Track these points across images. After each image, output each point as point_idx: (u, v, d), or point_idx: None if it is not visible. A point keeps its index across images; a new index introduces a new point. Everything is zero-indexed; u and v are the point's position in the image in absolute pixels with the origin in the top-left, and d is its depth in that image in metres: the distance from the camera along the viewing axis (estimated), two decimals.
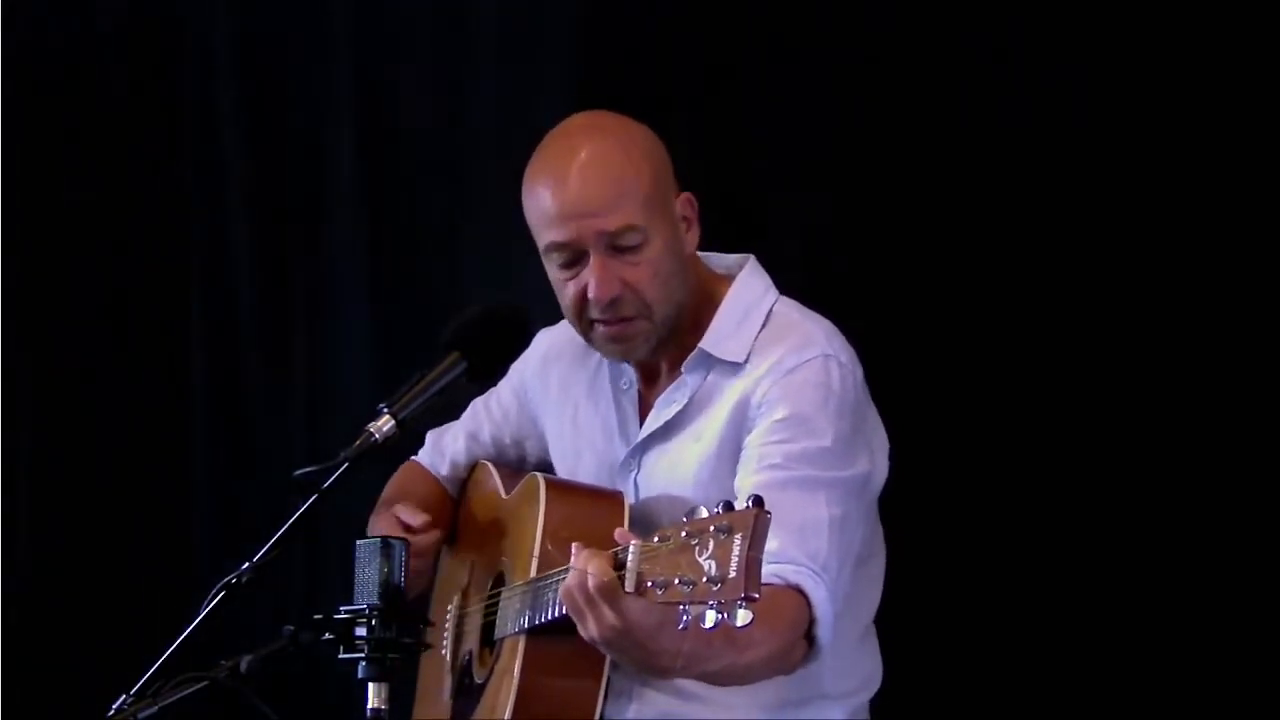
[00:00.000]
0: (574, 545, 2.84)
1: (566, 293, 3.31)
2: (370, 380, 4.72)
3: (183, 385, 4.93)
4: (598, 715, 3.25)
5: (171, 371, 4.94)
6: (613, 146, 3.29)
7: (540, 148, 3.35)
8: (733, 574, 2.59)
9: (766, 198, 4.33)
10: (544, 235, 3.30)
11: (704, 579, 2.62)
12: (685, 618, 2.64)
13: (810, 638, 3.11)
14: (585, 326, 3.34)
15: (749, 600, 2.58)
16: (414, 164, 4.73)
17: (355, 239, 4.79)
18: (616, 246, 3.26)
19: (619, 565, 2.77)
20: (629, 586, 2.72)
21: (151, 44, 4.94)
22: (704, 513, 2.66)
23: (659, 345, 3.37)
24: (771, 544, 3.02)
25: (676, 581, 2.65)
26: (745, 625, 2.60)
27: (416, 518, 3.50)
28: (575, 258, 3.28)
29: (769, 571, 3.05)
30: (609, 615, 2.80)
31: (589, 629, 2.84)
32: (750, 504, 2.62)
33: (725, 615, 2.60)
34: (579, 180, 3.25)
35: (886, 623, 3.46)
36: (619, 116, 3.38)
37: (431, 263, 4.70)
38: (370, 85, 4.77)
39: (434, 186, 4.70)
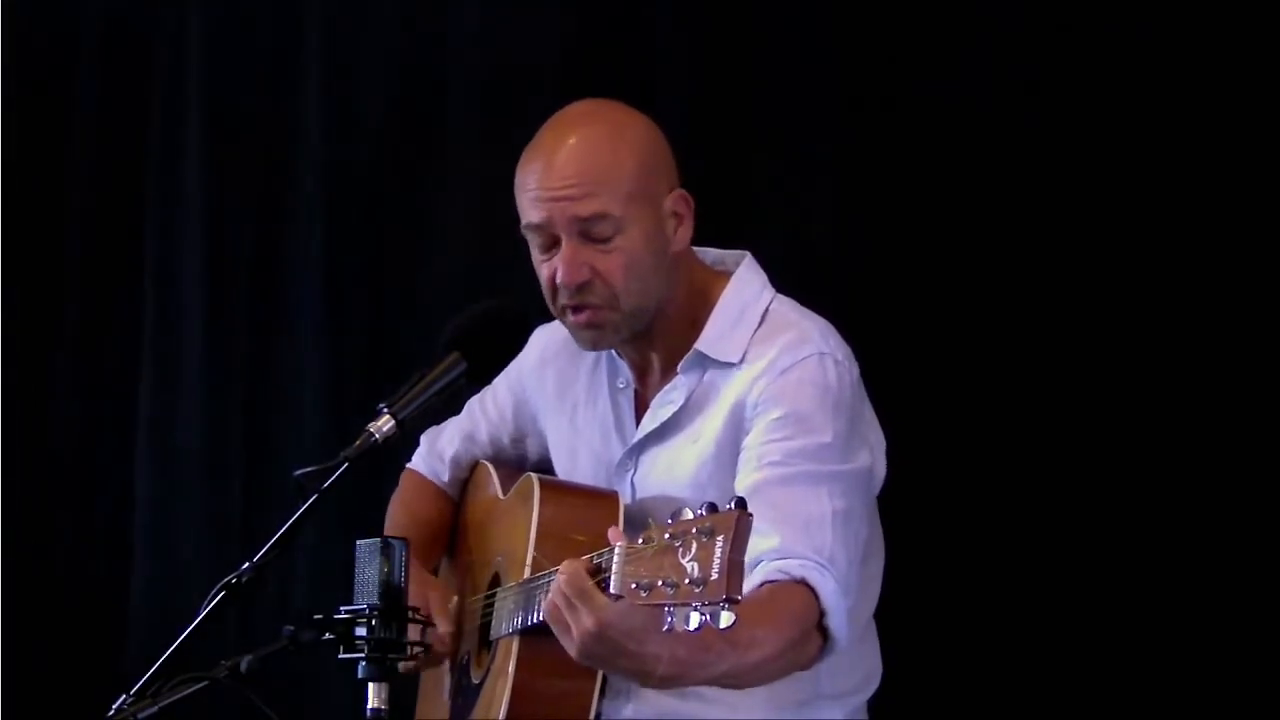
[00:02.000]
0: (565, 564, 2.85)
1: (542, 275, 3.33)
2: (321, 387, 4.74)
3: (130, 383, 4.94)
4: (593, 714, 3.26)
5: (119, 369, 4.95)
6: (601, 134, 3.30)
7: (538, 134, 3.37)
8: (714, 576, 2.60)
9: (763, 194, 4.32)
10: (524, 215, 3.33)
11: (686, 581, 2.62)
12: (670, 619, 2.65)
13: (823, 630, 3.10)
14: (559, 311, 3.36)
15: (730, 602, 2.59)
16: (378, 162, 4.73)
17: (313, 245, 4.79)
18: (588, 234, 3.27)
19: (597, 570, 2.78)
20: (614, 588, 2.73)
21: (120, 50, 4.94)
22: (688, 514, 2.67)
23: (651, 341, 3.38)
24: (774, 540, 3.07)
25: (660, 584, 2.66)
26: (729, 626, 2.60)
27: (441, 623, 3.48)
28: (550, 241, 3.30)
29: (773, 568, 3.08)
30: (585, 616, 2.80)
31: (571, 640, 2.84)
32: (733, 505, 2.63)
33: (708, 617, 2.61)
34: (560, 164, 3.27)
35: (885, 622, 3.45)
36: (622, 107, 3.40)
37: (387, 266, 4.72)
38: (338, 90, 4.77)
39: (396, 187, 4.71)
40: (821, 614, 3.09)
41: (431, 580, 3.57)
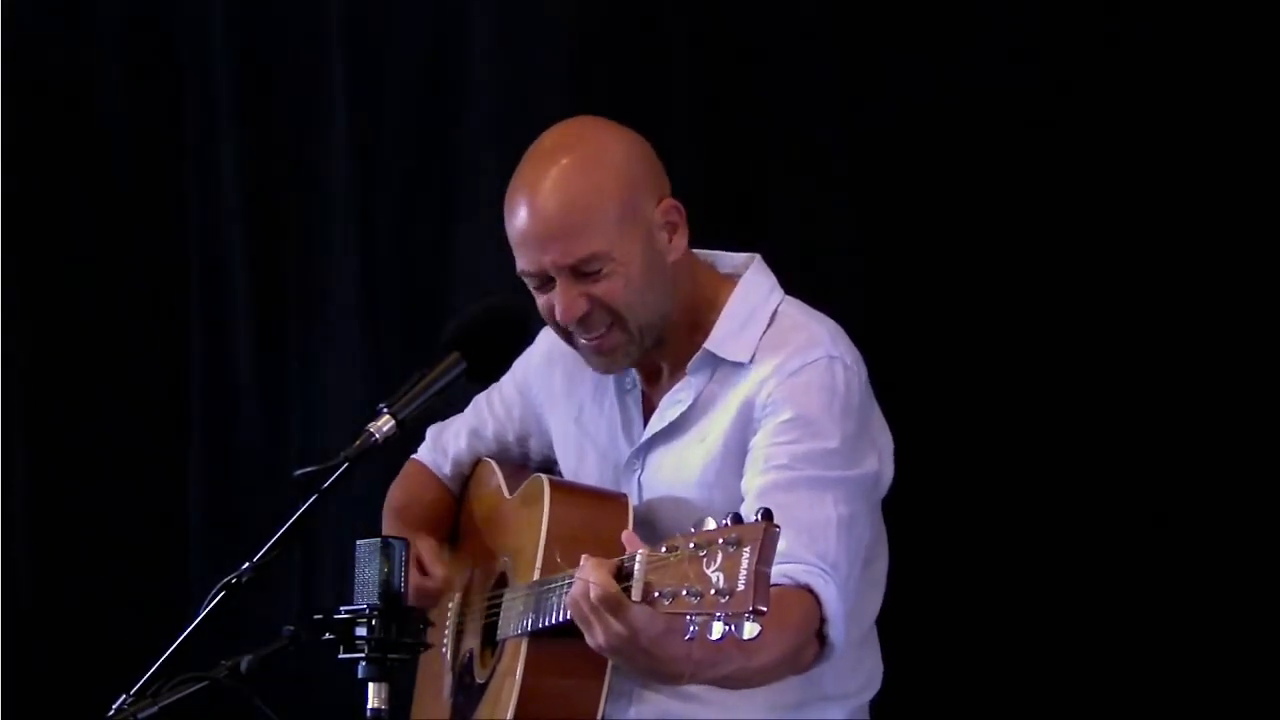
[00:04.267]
0: (583, 557, 2.84)
1: (541, 307, 3.33)
2: (360, 382, 4.71)
3: (179, 385, 4.91)
4: (599, 716, 3.25)
5: (168, 372, 4.92)
6: (578, 168, 3.26)
7: (518, 167, 3.33)
8: (741, 587, 2.59)
9: (770, 196, 4.31)
10: (516, 259, 3.31)
11: (711, 590, 2.61)
12: (692, 628, 2.64)
13: (821, 637, 3.11)
14: (566, 338, 3.36)
15: (757, 614, 2.58)
16: (408, 165, 4.70)
17: (349, 241, 4.77)
18: (579, 271, 3.25)
19: (624, 575, 2.77)
20: (635, 595, 2.72)
21: (148, 52, 4.91)
22: (712, 524, 2.66)
23: (659, 345, 3.36)
24: (779, 545, 3.03)
25: (684, 592, 2.65)
26: (753, 638, 2.60)
27: (436, 568, 3.49)
28: (544, 281, 3.29)
29: (777, 572, 3.04)
30: (615, 624, 2.80)
31: (596, 638, 2.84)
32: (759, 517, 2.62)
33: (733, 628, 2.60)
34: (541, 210, 3.24)
35: (887, 624, 3.46)
36: (595, 126, 3.37)
37: (425, 266, 4.69)
38: (365, 86, 4.74)
39: (429, 189, 4.68)
40: (822, 621, 3.10)
41: (418, 533, 3.56)
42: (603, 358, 3.34)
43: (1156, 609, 3.99)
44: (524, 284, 3.34)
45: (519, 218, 3.26)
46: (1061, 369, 4.08)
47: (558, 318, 3.28)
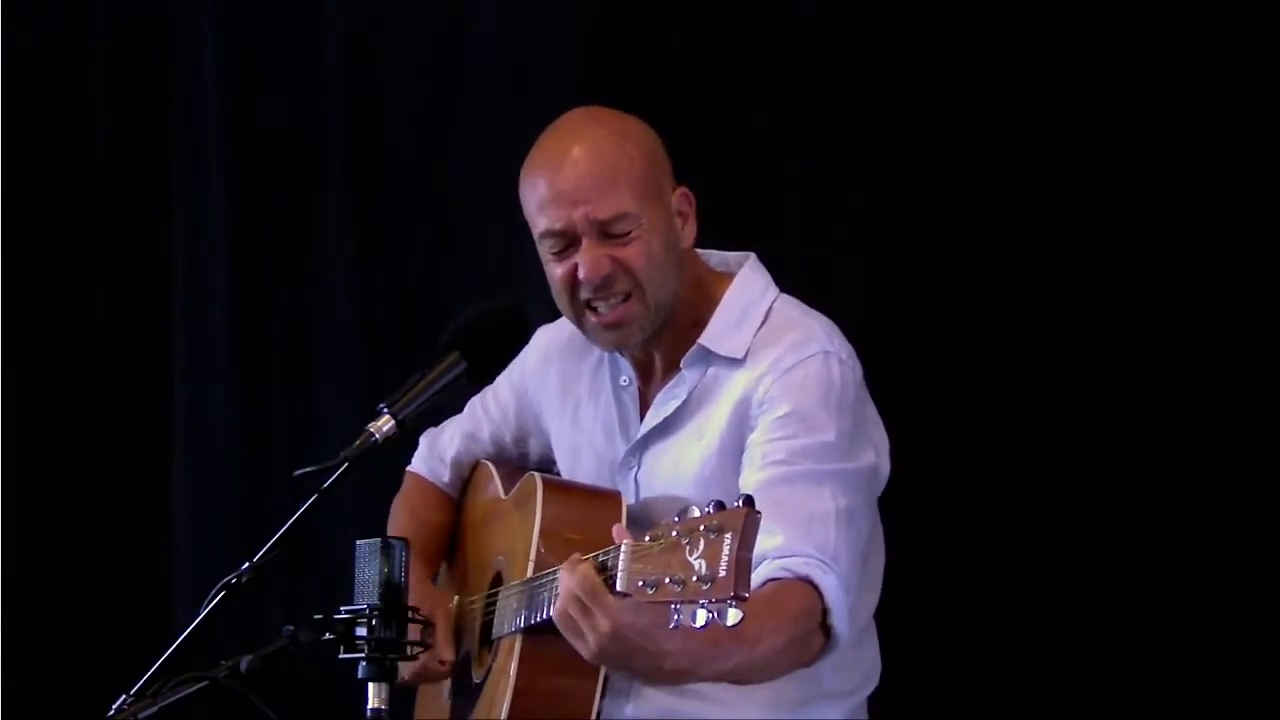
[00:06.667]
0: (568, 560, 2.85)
1: (556, 274, 3.32)
2: (354, 387, 4.73)
3: (164, 391, 4.93)
4: (594, 714, 3.26)
5: (153, 376, 4.95)
6: (606, 136, 3.31)
7: (537, 141, 3.38)
8: (722, 573, 2.60)
9: (768, 195, 4.33)
10: (539, 223, 3.33)
11: (694, 578, 2.63)
12: (677, 616, 2.65)
13: (826, 628, 3.11)
14: (578, 311, 3.35)
15: (738, 599, 2.59)
16: (404, 165, 4.73)
17: (342, 243, 4.79)
18: (607, 232, 3.28)
19: (602, 568, 2.79)
20: (621, 586, 2.73)
21: (138, 48, 4.95)
22: (695, 512, 2.67)
23: (656, 339, 3.37)
24: (778, 539, 3.08)
25: (667, 580, 2.66)
26: (736, 624, 2.60)
27: (446, 652, 3.50)
28: (568, 244, 3.30)
29: (777, 566, 3.08)
30: (600, 619, 2.81)
31: (587, 642, 2.85)
32: (740, 503, 2.63)
33: (715, 615, 2.61)
34: (572, 168, 3.28)
35: (885, 620, 3.45)
36: (614, 110, 3.41)
37: (419, 266, 4.71)
38: (361, 82, 4.78)
39: (424, 189, 4.71)
40: (824, 611, 3.10)
41: (438, 596, 3.59)
42: (615, 331, 3.35)
43: (1154, 605, 4.01)
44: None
45: (548, 176, 3.29)
46: (1058, 368, 4.10)
47: (582, 274, 3.28)
